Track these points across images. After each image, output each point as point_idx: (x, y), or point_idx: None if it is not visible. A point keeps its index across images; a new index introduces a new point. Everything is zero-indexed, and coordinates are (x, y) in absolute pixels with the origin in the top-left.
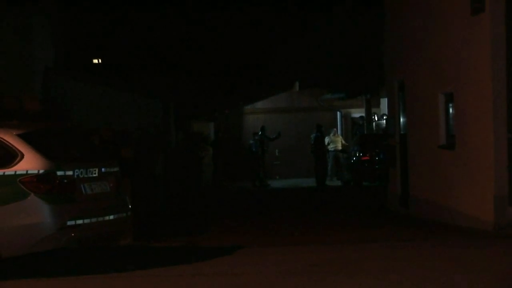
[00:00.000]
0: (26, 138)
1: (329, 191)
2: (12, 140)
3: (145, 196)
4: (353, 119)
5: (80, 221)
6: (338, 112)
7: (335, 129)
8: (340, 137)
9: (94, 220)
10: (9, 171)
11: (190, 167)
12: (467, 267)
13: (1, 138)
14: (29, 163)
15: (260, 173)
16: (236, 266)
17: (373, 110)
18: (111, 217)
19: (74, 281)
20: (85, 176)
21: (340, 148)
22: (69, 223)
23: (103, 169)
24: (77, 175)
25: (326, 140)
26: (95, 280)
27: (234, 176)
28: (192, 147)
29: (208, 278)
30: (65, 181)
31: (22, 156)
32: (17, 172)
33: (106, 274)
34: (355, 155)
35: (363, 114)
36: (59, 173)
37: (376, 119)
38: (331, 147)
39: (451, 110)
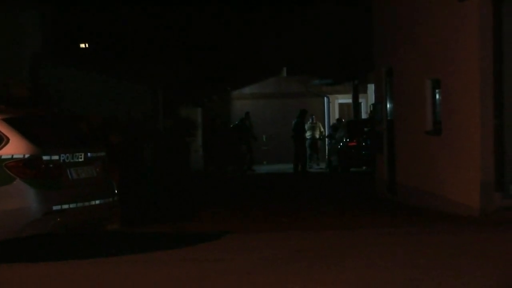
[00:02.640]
0: (12, 122)
1: (316, 177)
2: None
3: (133, 182)
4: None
5: (66, 206)
6: (325, 98)
7: (313, 116)
8: (319, 124)
9: (80, 205)
10: None
11: (178, 153)
12: (453, 252)
13: None
14: (15, 147)
15: (249, 158)
16: (223, 252)
17: (360, 96)
18: (98, 202)
19: (61, 266)
20: (71, 161)
21: (317, 136)
22: (55, 208)
23: (89, 154)
24: (63, 160)
25: (306, 126)
26: (82, 265)
27: (222, 162)
28: (180, 133)
29: (195, 264)
30: (51, 166)
31: (8, 140)
32: (3, 157)
33: (93, 259)
34: (342, 141)
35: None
36: (45, 157)
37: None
38: (308, 135)
39: (438, 96)
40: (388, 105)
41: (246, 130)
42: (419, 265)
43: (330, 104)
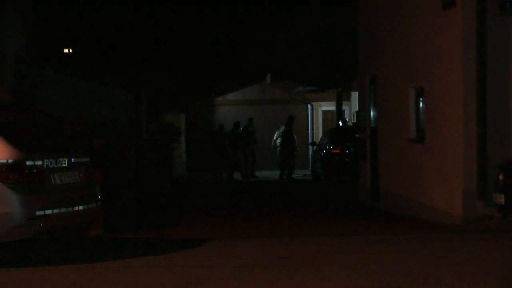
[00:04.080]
0: None
1: (299, 185)
2: None
3: (117, 188)
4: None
5: (49, 212)
6: (309, 105)
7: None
8: (292, 133)
9: (63, 210)
10: None
11: (162, 159)
12: (436, 261)
13: None
14: None
15: (244, 166)
16: (207, 258)
17: (344, 103)
18: (81, 207)
19: (43, 271)
20: (55, 166)
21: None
22: (38, 213)
23: (73, 159)
24: (47, 165)
25: (275, 135)
26: (65, 271)
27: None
28: (164, 138)
29: (178, 270)
30: (35, 171)
31: None
32: None
33: (76, 265)
34: (325, 149)
35: None
36: (28, 163)
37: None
38: (278, 142)
39: (421, 104)
40: (371, 113)
41: (249, 136)
42: (404, 272)
43: (314, 112)
